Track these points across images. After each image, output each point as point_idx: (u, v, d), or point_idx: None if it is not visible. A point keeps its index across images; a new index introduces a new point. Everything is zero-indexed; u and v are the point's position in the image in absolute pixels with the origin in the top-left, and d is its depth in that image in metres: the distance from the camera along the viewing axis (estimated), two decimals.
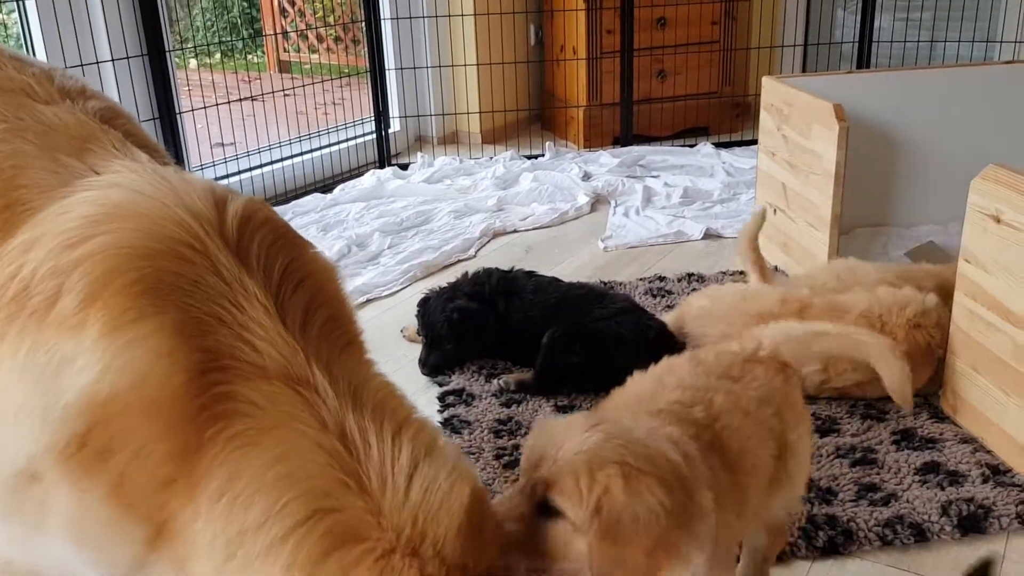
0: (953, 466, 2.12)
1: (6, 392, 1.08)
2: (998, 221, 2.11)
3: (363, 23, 4.73)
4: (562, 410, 2.41)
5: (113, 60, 3.66)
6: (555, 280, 2.79)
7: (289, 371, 1.06)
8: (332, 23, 6.96)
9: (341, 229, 3.84)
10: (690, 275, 3.24)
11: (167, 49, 3.86)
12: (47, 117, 1.30)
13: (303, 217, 4.00)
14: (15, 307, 1.07)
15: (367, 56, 4.78)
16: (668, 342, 2.60)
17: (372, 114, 4.82)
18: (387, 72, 4.85)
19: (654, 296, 3.08)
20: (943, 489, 2.03)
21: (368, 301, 3.21)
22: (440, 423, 2.39)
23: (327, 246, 3.57)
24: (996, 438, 2.18)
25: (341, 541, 1.00)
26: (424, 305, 2.76)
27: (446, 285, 2.79)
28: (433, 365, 2.68)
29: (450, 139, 5.21)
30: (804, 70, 5.39)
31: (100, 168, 1.23)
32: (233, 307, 1.07)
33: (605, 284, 3.15)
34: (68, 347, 1.04)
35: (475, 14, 4.90)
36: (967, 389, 2.27)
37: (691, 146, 4.89)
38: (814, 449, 2.19)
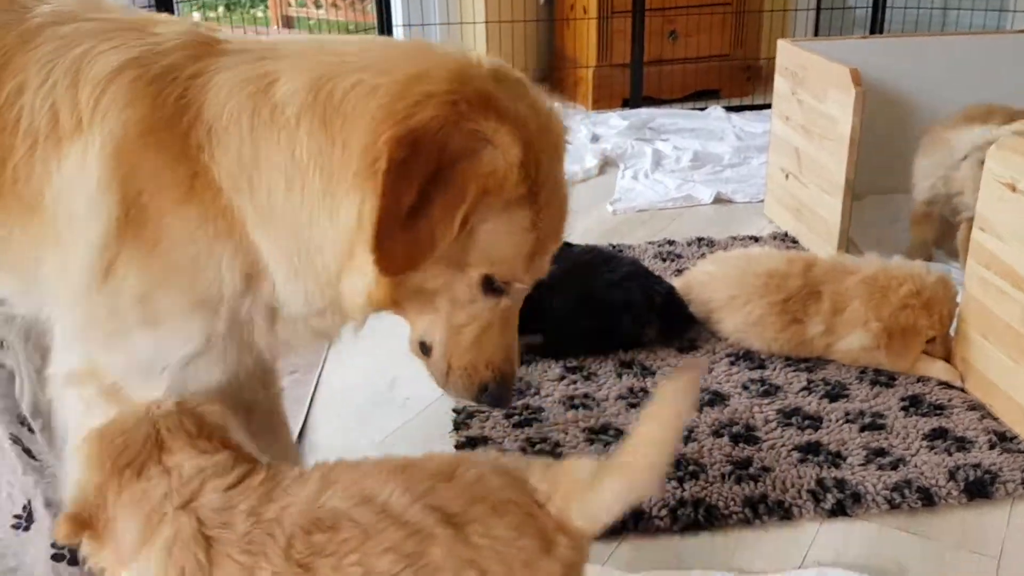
0: (961, 432, 2.13)
1: (56, 212, 1.25)
2: (1014, 190, 2.10)
3: None
4: (571, 371, 2.41)
5: None
6: (565, 244, 2.75)
7: (205, 35, 1.29)
8: None
9: None
10: (700, 239, 3.23)
11: (174, 0, 3.82)
12: None
13: None
14: (31, 143, 1.24)
15: (375, 12, 4.71)
16: (676, 307, 2.60)
17: None
18: (395, 28, 4.80)
19: (664, 260, 3.07)
20: (951, 455, 2.04)
21: None
22: None
23: None
24: (1003, 405, 2.19)
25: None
26: None
27: None
28: None
29: None
30: (817, 34, 5.34)
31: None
32: (151, 40, 1.27)
33: (614, 247, 3.15)
34: (78, 145, 1.22)
35: None
36: (976, 356, 2.28)
37: (701, 109, 4.85)
38: (824, 413, 2.20)
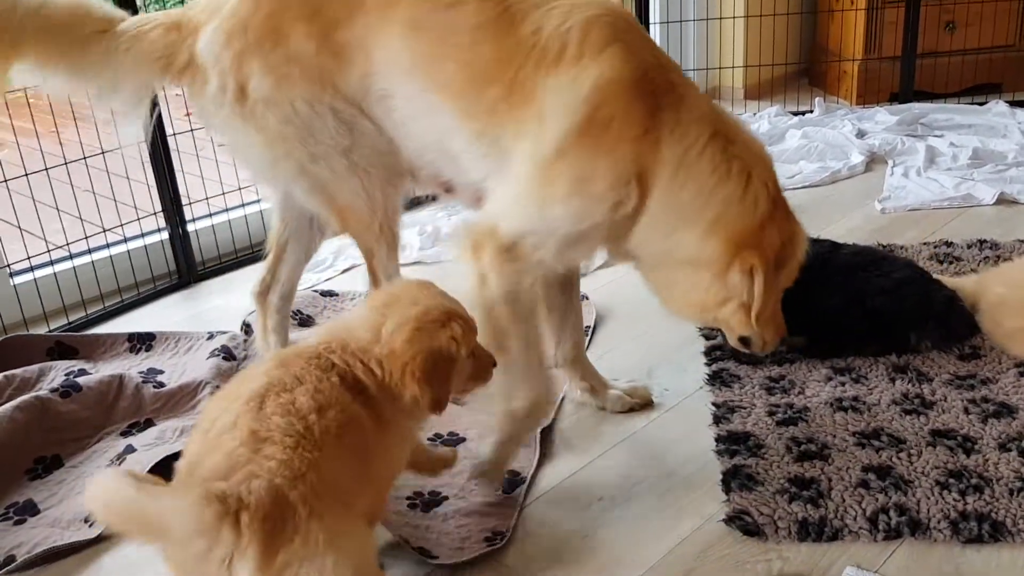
0: None
1: (543, 104, 1.80)
2: None
3: None
4: (839, 372, 2.33)
5: None
6: (832, 244, 2.65)
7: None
8: None
9: None
10: (982, 242, 3.00)
11: None
12: None
13: None
14: (538, 58, 1.81)
15: (633, 8, 4.75)
16: (957, 315, 2.44)
17: None
18: (651, 26, 4.81)
19: (940, 262, 2.89)
20: None
21: None
22: (707, 376, 2.39)
23: None
24: None
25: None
26: None
27: None
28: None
29: (711, 94, 5.10)
30: None
31: None
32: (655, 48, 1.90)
33: (883, 247, 3.00)
34: (574, 71, 1.79)
35: None
36: None
37: (981, 104, 4.50)
38: None
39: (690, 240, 1.85)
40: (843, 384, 2.28)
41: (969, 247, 2.98)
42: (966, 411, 2.13)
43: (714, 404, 2.25)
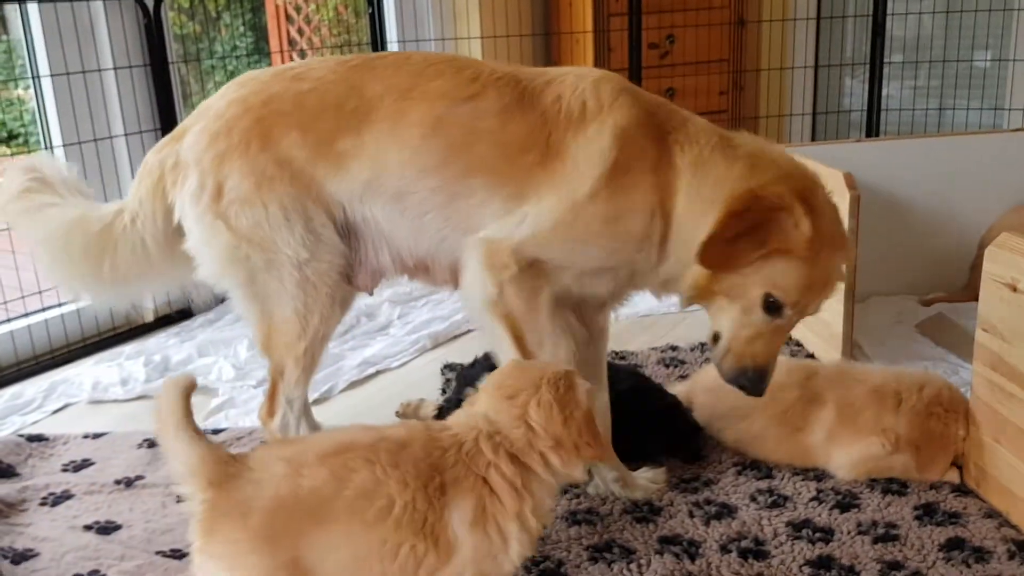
0: (978, 542, 2.05)
1: (575, 157, 1.98)
2: (1014, 290, 2.08)
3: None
4: (573, 484, 2.35)
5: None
6: None
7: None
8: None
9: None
10: (703, 344, 3.19)
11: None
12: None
13: None
14: (566, 121, 2.00)
15: (368, 28, 4.50)
16: (680, 419, 2.54)
17: None
18: (388, 45, 4.56)
19: (667, 366, 3.04)
20: (969, 567, 1.96)
21: (377, 372, 3.18)
22: None
23: None
24: (1022, 512, 2.11)
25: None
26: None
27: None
28: None
29: None
30: (813, 139, 5.42)
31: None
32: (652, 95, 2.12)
33: (616, 354, 3.12)
34: (595, 123, 1.99)
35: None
36: (990, 462, 2.21)
37: None
38: (835, 525, 2.13)
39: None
40: (578, 497, 2.30)
41: (692, 350, 3.16)
42: (691, 515, 2.20)
43: None
